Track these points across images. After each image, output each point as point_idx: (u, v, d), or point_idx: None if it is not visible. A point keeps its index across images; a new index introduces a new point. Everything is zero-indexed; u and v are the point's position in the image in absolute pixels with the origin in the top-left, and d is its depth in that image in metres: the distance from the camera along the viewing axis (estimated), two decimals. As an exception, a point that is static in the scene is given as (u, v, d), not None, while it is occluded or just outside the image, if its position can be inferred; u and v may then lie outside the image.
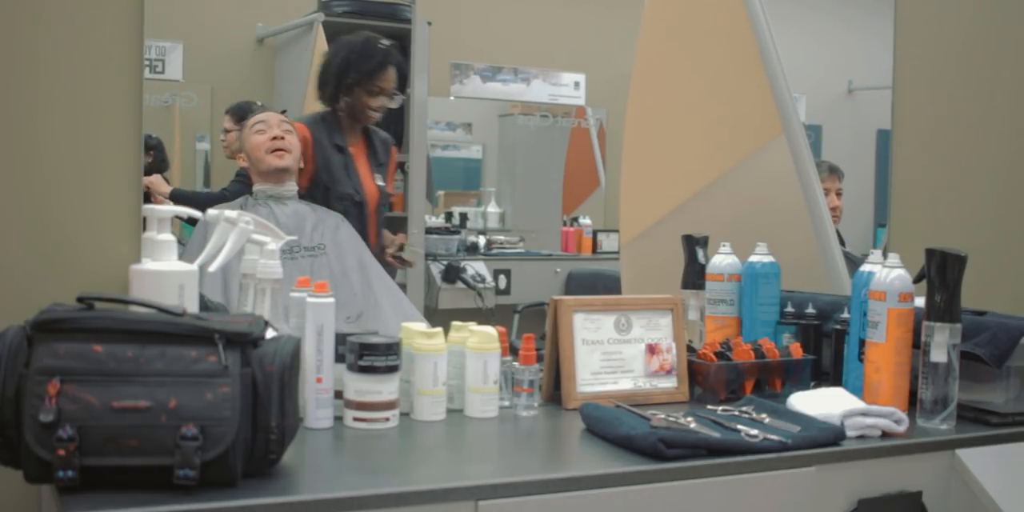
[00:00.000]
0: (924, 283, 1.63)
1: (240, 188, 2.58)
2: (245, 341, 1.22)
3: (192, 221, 2.40)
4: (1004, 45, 2.46)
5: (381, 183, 2.67)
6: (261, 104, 2.55)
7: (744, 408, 1.57)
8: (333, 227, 2.40)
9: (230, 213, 1.58)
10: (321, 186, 2.58)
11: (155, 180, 2.67)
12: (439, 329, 1.60)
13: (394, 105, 2.68)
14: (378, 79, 2.63)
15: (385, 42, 2.68)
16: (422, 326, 1.62)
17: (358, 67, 2.62)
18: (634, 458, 1.37)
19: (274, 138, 2.35)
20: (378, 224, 2.68)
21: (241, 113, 2.91)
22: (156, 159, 2.82)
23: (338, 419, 1.52)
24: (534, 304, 3.58)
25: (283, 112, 2.49)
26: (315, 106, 2.94)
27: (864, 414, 1.53)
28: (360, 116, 2.65)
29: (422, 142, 3.51)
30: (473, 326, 1.64)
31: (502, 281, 3.76)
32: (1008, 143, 2.47)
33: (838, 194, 2.60)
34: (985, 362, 1.65)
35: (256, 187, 2.36)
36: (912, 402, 1.64)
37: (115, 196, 1.61)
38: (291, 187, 2.37)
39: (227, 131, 2.92)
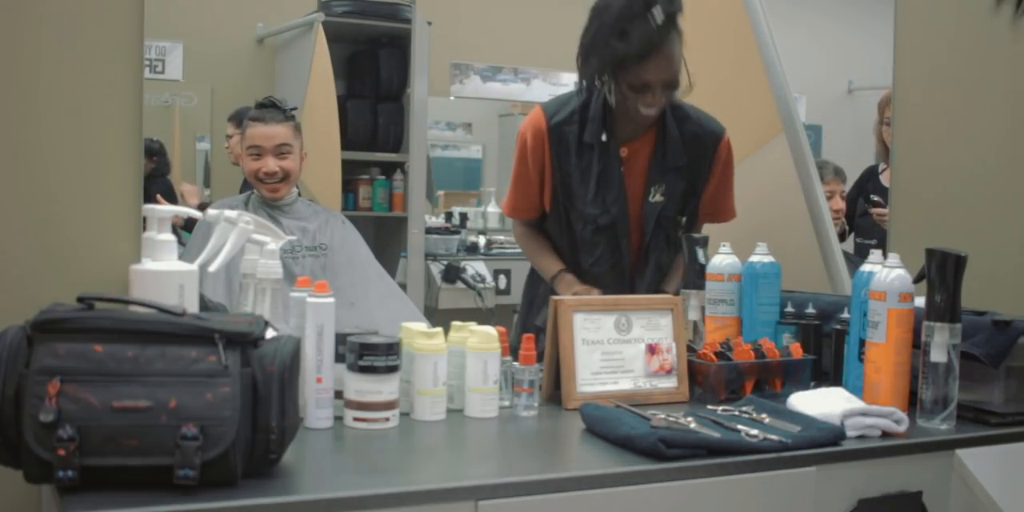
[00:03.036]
0: (924, 283, 1.63)
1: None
2: (245, 341, 1.22)
3: (189, 228, 2.39)
4: (1004, 45, 2.46)
5: (658, 198, 1.96)
6: (259, 103, 2.34)
7: (744, 408, 1.57)
8: (332, 228, 2.37)
9: (230, 213, 1.58)
10: (559, 206, 2.00)
11: (191, 190, 2.63)
12: (439, 329, 1.60)
13: (667, 101, 1.93)
14: (641, 67, 1.85)
15: (660, 12, 1.81)
16: (422, 326, 1.62)
17: (613, 43, 1.82)
18: (634, 458, 1.37)
19: (267, 173, 2.24)
20: (648, 257, 2.01)
21: (241, 118, 2.90)
22: (158, 163, 2.81)
23: (338, 419, 1.52)
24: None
25: (292, 110, 2.36)
26: (315, 107, 2.93)
27: (864, 414, 1.53)
28: (624, 110, 1.93)
29: (422, 142, 3.51)
30: (473, 326, 1.64)
31: (502, 281, 3.76)
32: (1008, 143, 2.47)
33: (843, 196, 2.60)
34: (982, 362, 1.65)
35: (255, 193, 2.34)
36: (912, 402, 1.64)
37: (115, 196, 1.61)
38: (289, 198, 2.32)
39: (229, 137, 2.91)
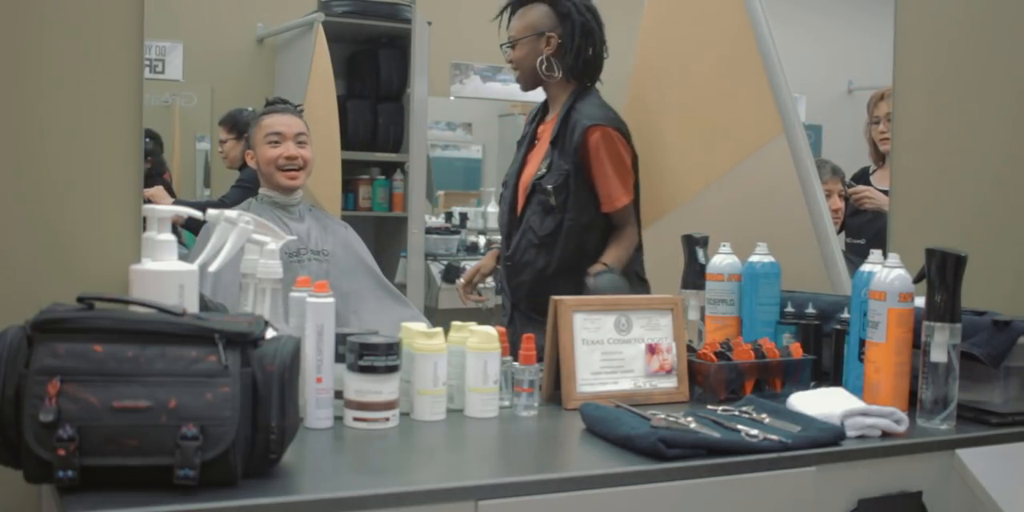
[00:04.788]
0: (924, 283, 1.63)
1: (241, 194, 2.54)
2: (245, 341, 1.22)
3: (189, 227, 2.38)
4: (1003, 45, 2.46)
5: (542, 170, 2.29)
6: (270, 102, 2.42)
7: (744, 408, 1.57)
8: (335, 234, 2.35)
9: (230, 213, 1.58)
10: None
11: (157, 192, 2.61)
12: (439, 329, 1.60)
13: (511, 57, 2.47)
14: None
15: None
16: (422, 326, 1.62)
17: None
18: (634, 458, 1.37)
19: (288, 157, 2.28)
20: (522, 219, 2.31)
21: (234, 122, 2.88)
22: (154, 163, 2.81)
23: (338, 419, 1.52)
24: (534, 304, 3.56)
25: (299, 107, 2.41)
26: (315, 107, 2.92)
27: (864, 414, 1.53)
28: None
29: (422, 142, 3.51)
30: (473, 326, 1.64)
31: (502, 281, 3.75)
32: (1008, 143, 2.47)
33: (841, 195, 2.60)
34: (982, 362, 1.65)
35: (262, 191, 2.33)
36: (912, 402, 1.64)
37: (115, 196, 1.61)
38: (297, 196, 2.32)
39: (223, 142, 2.90)
